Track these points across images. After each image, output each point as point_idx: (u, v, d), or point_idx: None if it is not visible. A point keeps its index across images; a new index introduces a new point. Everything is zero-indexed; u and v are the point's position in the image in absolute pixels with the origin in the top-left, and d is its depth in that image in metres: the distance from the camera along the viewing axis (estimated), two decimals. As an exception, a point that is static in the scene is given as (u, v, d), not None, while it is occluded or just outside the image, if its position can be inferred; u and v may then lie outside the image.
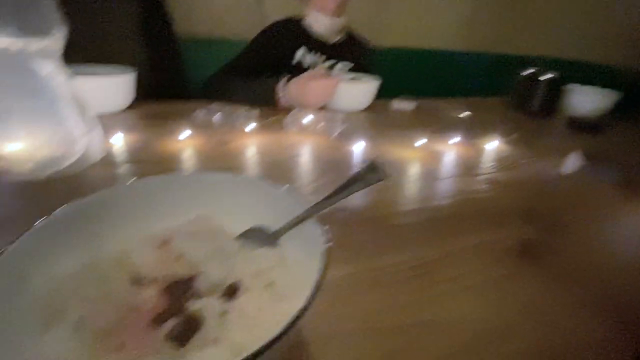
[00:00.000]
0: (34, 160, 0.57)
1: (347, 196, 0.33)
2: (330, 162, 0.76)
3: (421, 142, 0.89)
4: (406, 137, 0.92)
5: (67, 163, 0.60)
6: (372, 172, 0.33)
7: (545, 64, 1.36)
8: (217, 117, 0.92)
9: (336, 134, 0.91)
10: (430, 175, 0.75)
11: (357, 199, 0.61)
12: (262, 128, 0.91)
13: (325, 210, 0.34)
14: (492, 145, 0.96)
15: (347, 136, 0.90)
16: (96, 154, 0.65)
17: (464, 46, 2.30)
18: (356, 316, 0.37)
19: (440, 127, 1.03)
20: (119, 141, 0.75)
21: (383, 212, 0.58)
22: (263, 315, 0.28)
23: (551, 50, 2.29)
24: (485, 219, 0.59)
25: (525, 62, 1.44)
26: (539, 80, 1.31)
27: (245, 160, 0.75)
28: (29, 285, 0.26)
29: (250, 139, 0.85)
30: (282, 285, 0.32)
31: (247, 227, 0.39)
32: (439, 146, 0.90)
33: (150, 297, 0.30)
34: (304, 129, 0.92)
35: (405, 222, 0.56)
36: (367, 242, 0.49)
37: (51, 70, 0.57)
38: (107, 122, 0.74)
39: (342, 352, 0.33)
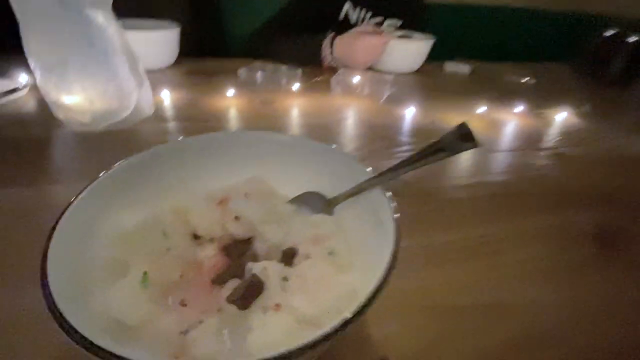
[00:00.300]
0: (90, 112, 0.58)
1: (423, 166, 0.29)
2: (378, 127, 0.72)
3: (479, 109, 0.81)
4: (461, 103, 0.84)
5: (121, 116, 0.61)
6: (462, 137, 0.27)
7: (624, 24, 1.16)
8: (260, 76, 0.89)
9: (385, 97, 0.85)
10: (489, 146, 0.68)
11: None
12: (307, 88, 0.87)
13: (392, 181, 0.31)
14: (560, 117, 0.85)
15: (396, 100, 0.84)
16: (147, 109, 0.65)
17: (528, 2, 2.02)
18: (410, 293, 0.35)
19: (500, 94, 0.93)
20: (166, 98, 0.75)
21: (437, 184, 0.54)
22: (324, 285, 0.26)
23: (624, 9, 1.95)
24: (553, 199, 0.53)
25: (599, 22, 1.23)
26: (624, 43, 1.13)
27: (290, 121, 0.73)
28: (96, 237, 0.27)
29: (295, 100, 0.81)
30: (342, 255, 0.30)
31: (300, 192, 0.38)
32: (499, 115, 0.81)
33: (210, 256, 0.30)
34: (351, 91, 0.87)
35: (462, 197, 0.52)
36: (421, 215, 0.46)
37: (103, 20, 0.56)
38: (154, 78, 0.74)
39: (395, 328, 0.32)
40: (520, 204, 0.50)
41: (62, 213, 0.25)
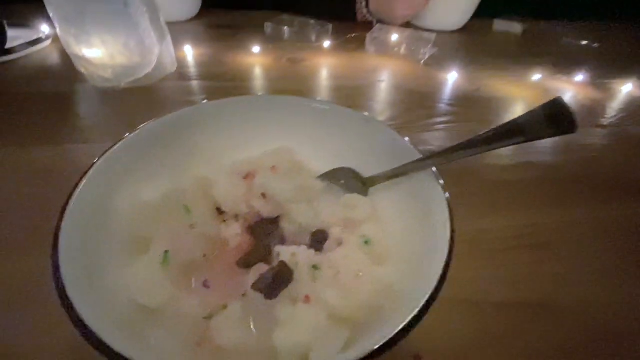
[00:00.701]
0: (112, 67, 0.56)
1: (490, 151, 0.24)
2: (417, 93, 0.65)
3: (532, 77, 0.72)
4: (512, 69, 0.74)
5: (143, 73, 0.58)
6: (550, 119, 0.20)
7: None
8: (287, 31, 0.82)
9: (425, 58, 0.76)
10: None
11: (441, 142, 0.52)
12: (339, 46, 0.79)
13: (445, 165, 0.26)
14: (626, 89, 0.74)
15: (438, 62, 0.75)
16: (169, 66, 0.61)
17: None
18: (450, 286, 0.32)
19: (555, 58, 0.81)
20: (188, 53, 0.70)
21: (480, 162, 0.49)
22: (358, 278, 0.24)
23: None
24: (611, 185, 0.46)
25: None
26: None
27: (318, 83, 0.67)
28: (113, 211, 0.25)
29: (325, 59, 0.75)
30: (378, 244, 0.27)
31: (331, 167, 0.34)
32: (555, 84, 0.72)
33: (235, 235, 0.27)
34: (387, 51, 0.79)
35: (508, 179, 0.46)
36: (461, 198, 0.41)
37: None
38: (175, 31, 0.69)
39: (431, 324, 0.29)
40: (574, 190, 0.45)
41: (76, 186, 0.22)
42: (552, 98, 0.20)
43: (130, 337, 0.19)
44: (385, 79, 0.70)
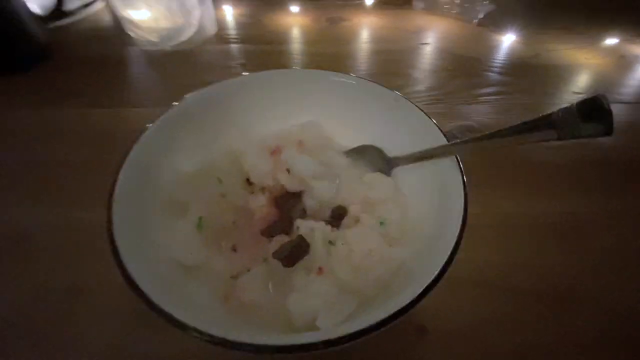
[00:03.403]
0: (157, 30, 0.58)
1: (517, 144, 0.23)
2: (464, 58, 0.60)
3: (606, 40, 0.62)
4: (581, 29, 0.65)
5: (185, 35, 0.59)
6: (586, 115, 0.18)
7: None
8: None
9: (480, 17, 0.69)
10: (609, 94, 0.53)
11: (484, 117, 0.48)
12: (383, 4, 0.74)
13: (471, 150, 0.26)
14: None
15: (493, 22, 0.67)
16: (210, 28, 0.62)
17: None
18: (465, 266, 0.32)
19: (639, 18, 0.69)
20: (228, 13, 0.70)
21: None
22: (371, 257, 0.25)
23: None
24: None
25: None
26: None
27: (358, 46, 0.64)
28: (158, 178, 0.28)
29: (367, 19, 0.70)
30: (394, 226, 0.28)
31: (358, 143, 0.34)
32: (634, 49, 0.62)
33: (261, 206, 0.30)
34: (437, 8, 0.72)
35: (551, 160, 0.43)
36: (497, 178, 0.40)
37: None
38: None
39: (440, 300, 0.30)
40: (629, 176, 0.41)
41: (126, 155, 0.26)
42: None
43: (169, 289, 0.22)
44: (430, 41, 0.65)
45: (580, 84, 0.55)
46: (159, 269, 0.23)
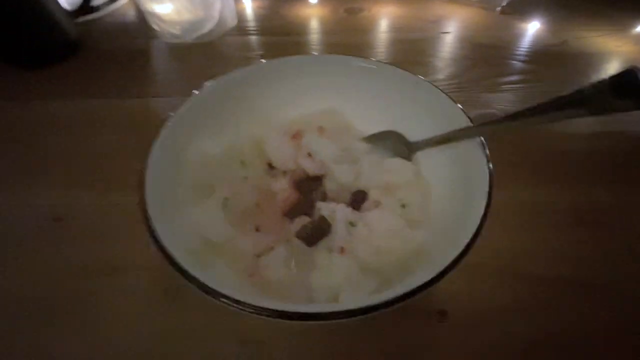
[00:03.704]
0: (180, 23, 0.59)
1: (544, 123, 0.23)
2: (486, 47, 0.59)
3: (638, 27, 0.59)
4: (613, 15, 0.62)
5: (207, 27, 0.61)
6: (618, 90, 0.17)
7: None
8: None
9: (503, 5, 0.67)
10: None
11: (507, 106, 0.47)
12: (402, -8, 0.73)
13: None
14: None
15: (517, 8, 0.65)
16: (230, 20, 0.63)
17: None
18: (486, 253, 0.31)
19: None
20: (247, 5, 0.71)
21: (553, 129, 0.44)
22: (391, 238, 0.25)
23: None
24: None
25: None
26: None
27: (376, 36, 0.64)
28: (185, 161, 0.29)
29: (386, 8, 0.69)
30: (415, 209, 0.28)
31: (379, 129, 0.35)
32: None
33: (283, 189, 0.31)
34: (458, -4, 0.70)
35: (581, 149, 0.42)
36: (519, 166, 0.39)
37: None
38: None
39: (461, 285, 0.30)
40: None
41: (154, 139, 0.27)
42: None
43: (199, 263, 0.23)
44: (451, 30, 0.63)
45: (610, 73, 0.53)
46: (190, 246, 0.24)
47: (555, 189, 0.37)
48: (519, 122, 0.24)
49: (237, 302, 0.18)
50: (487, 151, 0.25)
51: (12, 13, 0.50)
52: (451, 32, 0.63)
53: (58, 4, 0.57)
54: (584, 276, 0.31)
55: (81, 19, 0.64)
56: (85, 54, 0.58)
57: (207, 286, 0.19)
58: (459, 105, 0.29)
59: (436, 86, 0.31)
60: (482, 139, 0.25)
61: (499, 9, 0.66)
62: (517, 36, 0.60)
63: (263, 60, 0.34)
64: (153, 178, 0.25)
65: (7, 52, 0.55)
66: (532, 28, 0.61)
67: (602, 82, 0.18)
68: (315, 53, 0.58)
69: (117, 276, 0.32)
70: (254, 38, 0.63)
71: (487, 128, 0.25)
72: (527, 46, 0.58)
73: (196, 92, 0.31)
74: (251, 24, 0.66)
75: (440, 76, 0.54)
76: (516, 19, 0.64)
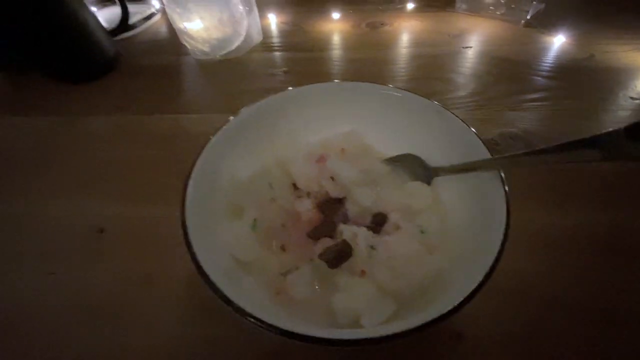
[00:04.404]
0: (209, 41, 0.63)
1: (561, 163, 0.23)
2: (510, 62, 0.58)
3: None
4: (645, 28, 0.60)
5: (234, 44, 0.64)
6: (634, 136, 0.18)
7: None
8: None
9: (527, 18, 0.66)
10: (670, 99, 0.50)
11: (529, 124, 0.47)
12: (425, 7, 0.73)
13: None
14: None
15: (542, 22, 0.65)
16: (256, 36, 0.66)
17: None
18: (511, 277, 0.30)
19: None
20: (272, 22, 0.73)
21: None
22: (410, 263, 0.27)
23: None
24: None
25: None
26: None
27: (397, 51, 0.65)
28: (219, 184, 0.31)
29: (408, 23, 0.70)
30: (434, 234, 0.29)
31: (398, 152, 0.36)
32: None
33: (307, 210, 0.32)
34: (481, 9, 0.70)
35: (605, 170, 0.41)
36: (537, 187, 0.40)
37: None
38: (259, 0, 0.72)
39: (478, 307, 0.30)
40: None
41: (193, 164, 0.29)
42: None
43: (229, 280, 0.25)
44: (473, 44, 0.64)
45: (639, 89, 0.52)
46: (221, 263, 0.27)
47: (569, 211, 0.37)
48: (535, 159, 0.25)
49: (283, 332, 0.20)
50: (505, 183, 0.26)
51: (58, 32, 0.55)
52: (473, 47, 0.63)
53: (99, 23, 0.61)
54: (604, 302, 0.31)
55: (119, 36, 0.68)
56: (122, 70, 0.63)
57: (242, 309, 0.21)
58: (478, 135, 0.30)
59: (457, 115, 0.31)
60: (502, 172, 0.26)
61: (523, 22, 0.66)
62: (542, 50, 0.60)
63: (289, 88, 0.36)
64: (192, 198, 0.27)
65: (53, 68, 0.59)
66: (558, 42, 0.61)
67: (617, 131, 0.19)
68: (337, 73, 0.59)
69: (153, 287, 0.34)
70: (277, 54, 0.65)
71: (506, 161, 0.26)
72: (552, 61, 0.58)
73: (232, 117, 0.33)
74: (275, 40, 0.69)
75: (462, 93, 0.54)
76: (541, 32, 0.63)
